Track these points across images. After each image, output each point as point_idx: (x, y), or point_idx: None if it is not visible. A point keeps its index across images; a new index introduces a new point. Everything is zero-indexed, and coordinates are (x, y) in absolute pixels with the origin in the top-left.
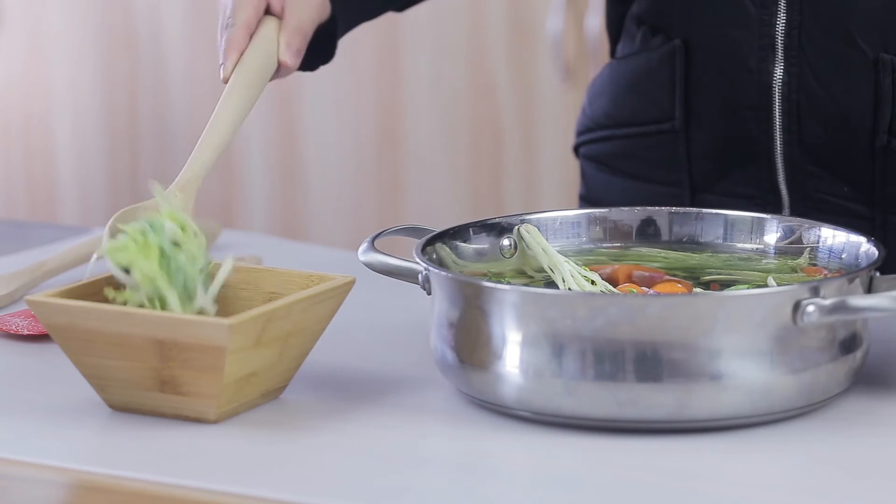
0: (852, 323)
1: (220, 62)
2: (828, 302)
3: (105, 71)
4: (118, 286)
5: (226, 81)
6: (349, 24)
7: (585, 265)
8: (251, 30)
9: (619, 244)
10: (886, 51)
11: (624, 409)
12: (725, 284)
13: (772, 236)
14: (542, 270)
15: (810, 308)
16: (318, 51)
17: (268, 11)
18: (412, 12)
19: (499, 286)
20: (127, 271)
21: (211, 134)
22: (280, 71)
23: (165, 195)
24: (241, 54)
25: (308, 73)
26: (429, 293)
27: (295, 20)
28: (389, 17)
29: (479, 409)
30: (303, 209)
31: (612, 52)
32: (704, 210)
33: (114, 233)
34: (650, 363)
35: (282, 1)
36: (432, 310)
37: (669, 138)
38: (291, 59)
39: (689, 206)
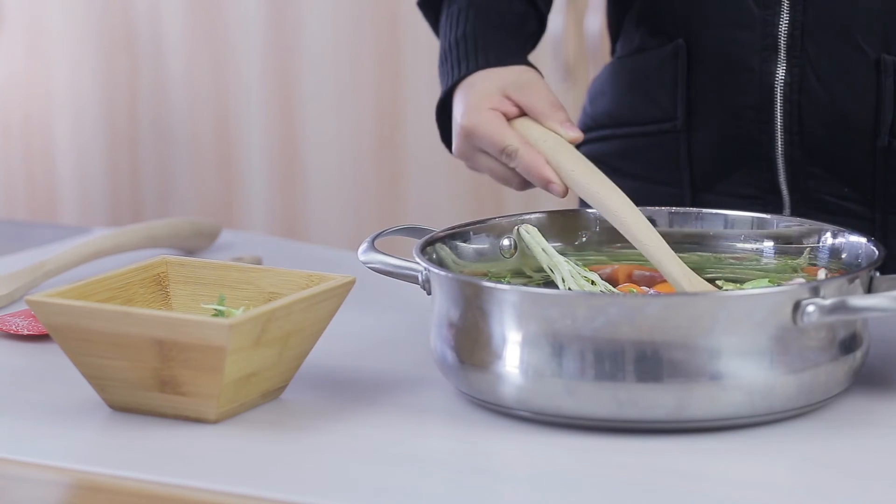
0: (852, 323)
1: (546, 183)
2: (828, 302)
3: (105, 71)
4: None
5: (565, 194)
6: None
7: (585, 265)
8: (529, 145)
9: (619, 244)
10: (888, 52)
11: (624, 409)
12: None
13: (772, 236)
14: (541, 270)
15: (810, 308)
16: None
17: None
18: (412, 12)
19: (499, 286)
20: None
21: (631, 216)
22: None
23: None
24: (547, 163)
25: (309, 73)
26: (429, 293)
27: (542, 103)
28: (389, 17)
29: (479, 409)
30: (303, 209)
31: (613, 52)
32: (704, 210)
33: None
34: (650, 363)
35: (515, 101)
36: (432, 310)
37: (671, 138)
38: (574, 132)
39: (690, 206)
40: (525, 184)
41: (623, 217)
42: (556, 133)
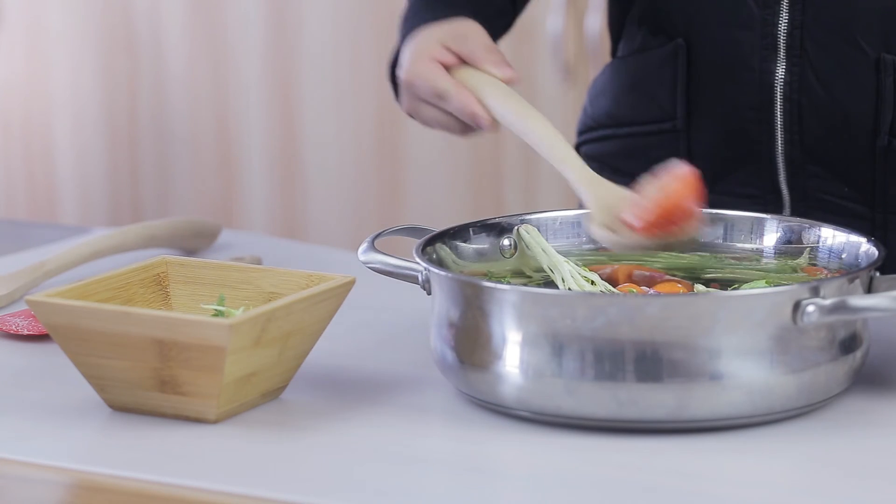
0: (852, 323)
1: (473, 119)
2: (828, 302)
3: (105, 71)
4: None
5: (490, 124)
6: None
7: (585, 265)
8: (463, 86)
9: None
10: (888, 51)
11: (624, 409)
12: (725, 284)
13: (772, 236)
14: (541, 270)
15: (810, 308)
16: None
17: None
18: None
19: (499, 286)
20: None
21: (550, 136)
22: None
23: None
24: (477, 101)
25: (309, 73)
26: (429, 293)
27: (479, 47)
28: (389, 17)
29: (479, 409)
30: (303, 209)
31: (614, 52)
32: (704, 210)
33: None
34: (650, 363)
35: (455, 51)
36: (432, 310)
37: (671, 138)
38: (507, 70)
39: None
40: (466, 128)
41: (541, 136)
42: (490, 74)
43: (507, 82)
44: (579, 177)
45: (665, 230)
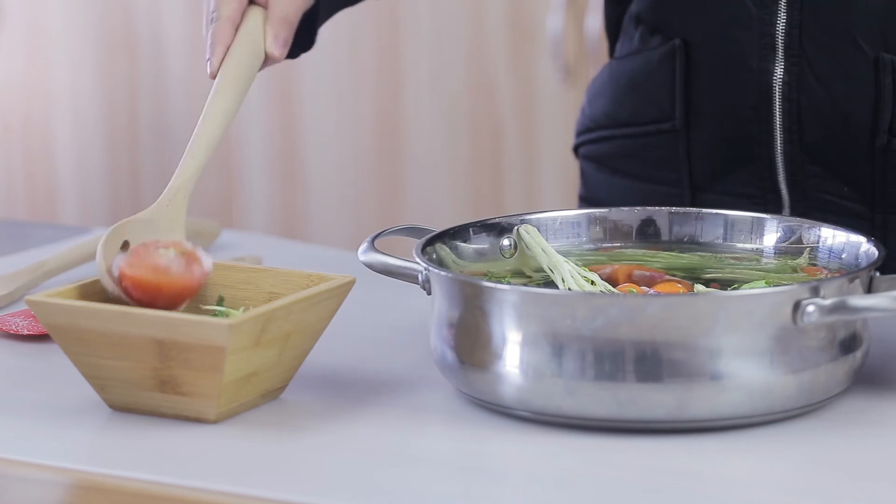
0: (852, 323)
1: (207, 57)
2: (828, 302)
3: (105, 71)
4: None
5: (213, 77)
6: (330, 12)
7: (585, 265)
8: (236, 22)
9: (619, 244)
10: (887, 50)
11: (624, 409)
12: (725, 284)
13: (772, 236)
14: (541, 270)
15: (810, 308)
16: (299, 38)
17: (252, 2)
18: (412, 12)
19: (499, 286)
20: None
21: (202, 134)
22: (267, 62)
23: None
24: (228, 48)
25: (308, 73)
26: (429, 293)
27: (280, 10)
28: (390, 17)
29: (479, 409)
30: (303, 209)
31: (612, 52)
32: (704, 210)
33: (108, 247)
34: (650, 363)
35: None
36: (432, 310)
37: (669, 138)
38: (279, 50)
39: (690, 206)
40: None
41: (203, 125)
42: (264, 38)
43: (267, 56)
44: (169, 191)
45: (143, 297)
